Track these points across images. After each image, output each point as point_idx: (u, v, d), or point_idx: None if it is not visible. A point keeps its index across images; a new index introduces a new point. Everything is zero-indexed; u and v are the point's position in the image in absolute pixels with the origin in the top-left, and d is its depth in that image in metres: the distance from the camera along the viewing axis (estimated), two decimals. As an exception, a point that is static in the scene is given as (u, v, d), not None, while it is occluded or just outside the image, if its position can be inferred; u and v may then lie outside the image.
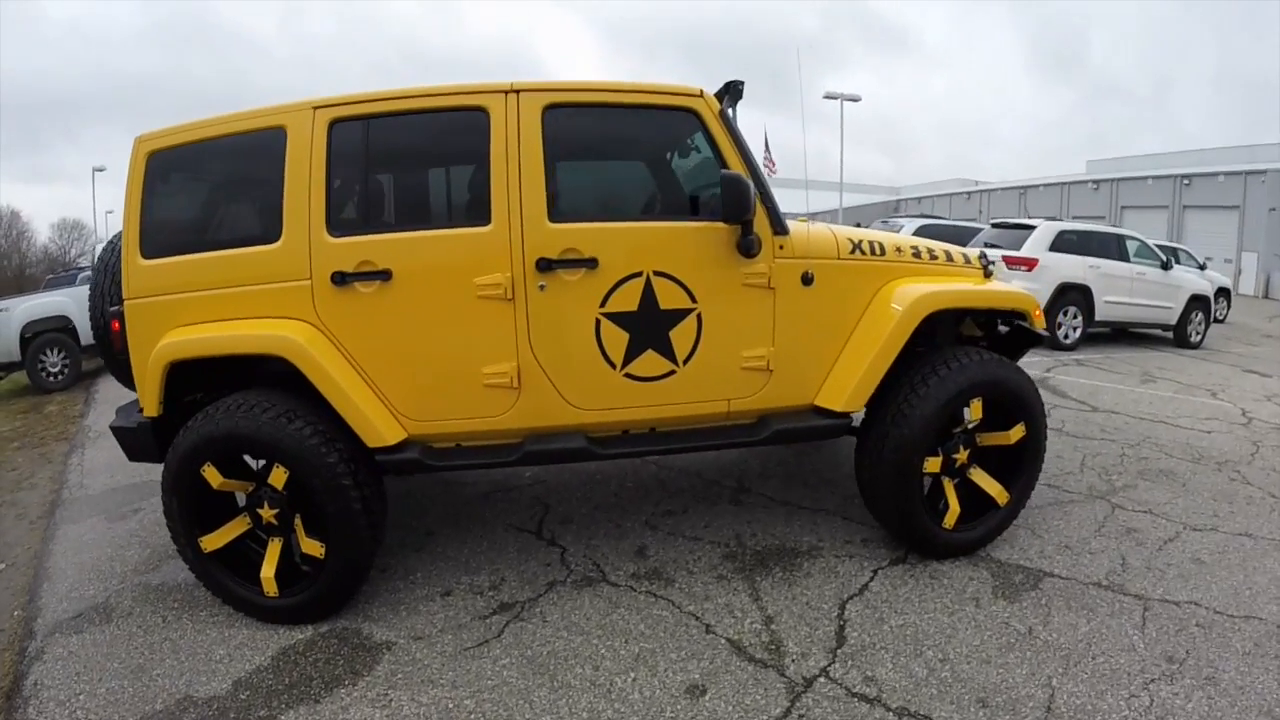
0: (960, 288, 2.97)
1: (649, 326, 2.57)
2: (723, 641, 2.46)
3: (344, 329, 2.50)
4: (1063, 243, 8.57)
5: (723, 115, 2.63)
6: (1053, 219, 9.41)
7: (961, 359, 2.78)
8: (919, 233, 10.95)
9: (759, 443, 2.75)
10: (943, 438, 2.84)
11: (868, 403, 2.81)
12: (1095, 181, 28.24)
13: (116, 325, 2.60)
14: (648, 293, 2.55)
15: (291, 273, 2.47)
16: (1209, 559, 3.03)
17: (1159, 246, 9.88)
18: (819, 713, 2.13)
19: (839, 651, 2.41)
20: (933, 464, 2.81)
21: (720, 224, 2.56)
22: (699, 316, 2.60)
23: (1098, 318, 8.68)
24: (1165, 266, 9.14)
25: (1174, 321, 9.26)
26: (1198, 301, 9.38)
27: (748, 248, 2.58)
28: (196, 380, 2.64)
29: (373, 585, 2.82)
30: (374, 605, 2.71)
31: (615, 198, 2.90)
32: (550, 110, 2.52)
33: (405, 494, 3.73)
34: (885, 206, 33.94)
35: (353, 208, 2.54)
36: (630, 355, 2.57)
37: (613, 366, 2.57)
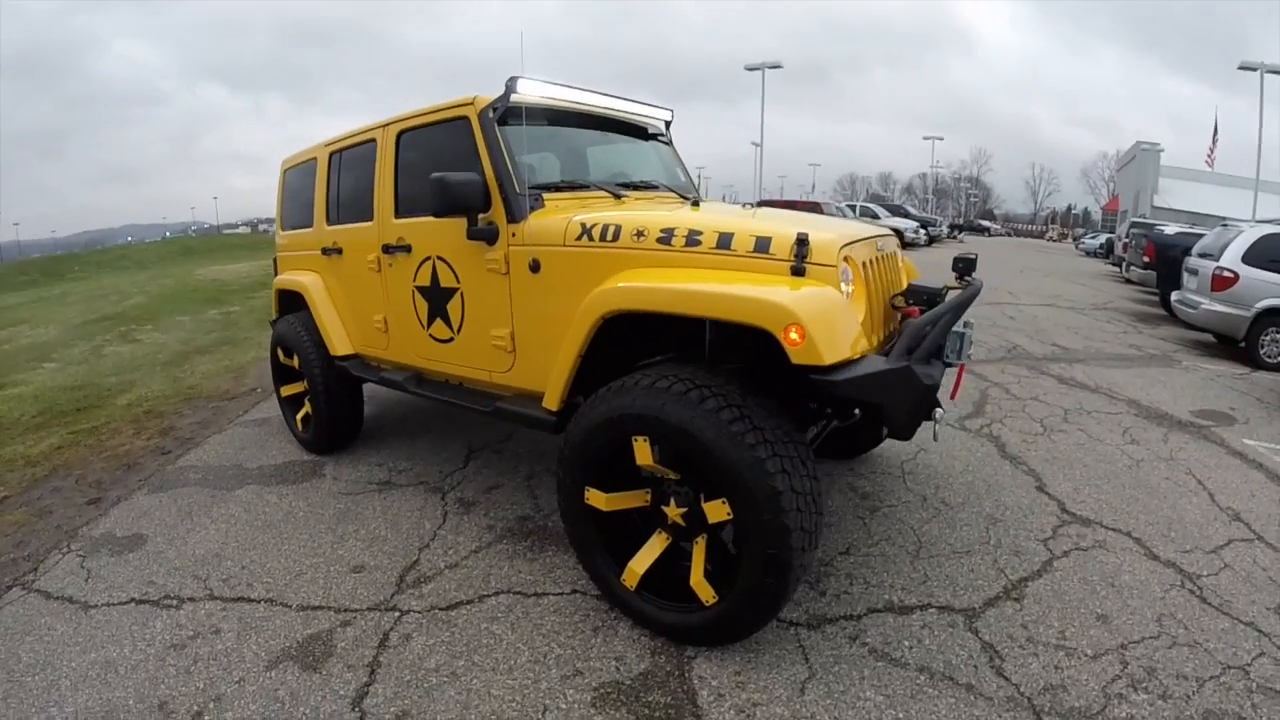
0: (661, 286, 2.25)
1: (436, 299, 3.20)
2: (402, 563, 2.95)
3: (330, 282, 4.03)
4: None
5: (482, 117, 2.88)
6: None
7: (628, 380, 2.29)
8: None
9: (488, 415, 3.01)
10: (619, 473, 2.42)
11: None
12: None
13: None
14: (434, 273, 3.18)
15: (316, 245, 4.08)
16: None
17: None
18: (349, 628, 2.51)
19: (433, 614, 2.59)
20: (595, 497, 2.42)
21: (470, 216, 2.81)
22: (462, 295, 3.07)
23: None
24: None
25: None
26: None
27: (478, 236, 2.83)
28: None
29: (361, 448, 4.34)
30: (344, 458, 4.23)
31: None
32: (402, 135, 3.34)
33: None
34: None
35: (334, 208, 3.98)
36: (429, 320, 3.28)
37: (423, 326, 3.33)
